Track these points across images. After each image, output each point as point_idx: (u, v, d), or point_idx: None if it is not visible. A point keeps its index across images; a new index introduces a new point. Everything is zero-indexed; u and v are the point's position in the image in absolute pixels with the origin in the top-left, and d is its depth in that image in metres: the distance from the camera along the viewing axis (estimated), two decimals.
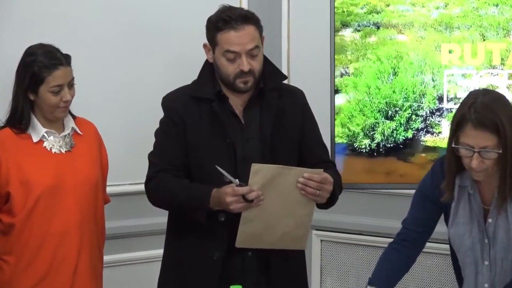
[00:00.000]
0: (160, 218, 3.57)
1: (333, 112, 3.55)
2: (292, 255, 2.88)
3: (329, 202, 2.81)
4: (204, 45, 2.84)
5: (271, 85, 2.85)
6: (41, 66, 2.88)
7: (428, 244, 3.77)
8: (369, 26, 3.54)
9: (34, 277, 2.93)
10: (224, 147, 2.72)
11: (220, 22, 2.75)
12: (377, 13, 3.54)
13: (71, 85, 2.96)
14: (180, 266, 2.88)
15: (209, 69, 2.86)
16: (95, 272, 3.05)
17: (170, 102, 2.89)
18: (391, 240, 3.95)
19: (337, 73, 3.53)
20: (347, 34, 3.54)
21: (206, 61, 2.88)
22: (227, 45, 2.74)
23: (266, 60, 2.86)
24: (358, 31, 3.55)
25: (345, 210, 3.76)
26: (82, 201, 2.97)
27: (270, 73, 2.86)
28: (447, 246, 3.90)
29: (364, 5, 3.55)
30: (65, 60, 2.93)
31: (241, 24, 2.74)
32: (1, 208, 2.93)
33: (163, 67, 3.92)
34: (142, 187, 3.71)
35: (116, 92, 3.86)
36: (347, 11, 3.54)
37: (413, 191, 3.81)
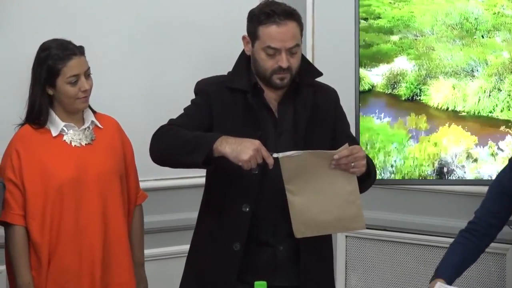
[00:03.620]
0: (185, 214, 3.81)
1: (358, 107, 3.55)
2: (322, 252, 2.89)
3: (367, 177, 2.78)
4: (243, 37, 2.82)
5: (307, 81, 2.84)
6: (56, 58, 2.92)
7: (445, 239, 3.80)
8: None
9: (63, 275, 2.96)
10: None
11: (263, 16, 2.73)
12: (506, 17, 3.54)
13: (88, 75, 2.98)
14: (200, 257, 2.88)
15: (245, 61, 2.85)
16: (124, 261, 3.07)
17: (203, 85, 2.88)
18: (415, 236, 3.99)
19: None
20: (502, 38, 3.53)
21: (242, 53, 2.87)
22: (268, 40, 2.72)
23: (301, 56, 2.84)
24: None
25: (370, 205, 3.69)
26: (106, 192, 3.00)
27: (306, 69, 2.85)
28: None
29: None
30: (78, 50, 2.96)
31: (284, 19, 2.72)
32: (23, 210, 2.94)
33: (188, 63, 3.91)
34: (166, 183, 3.88)
35: (140, 89, 3.87)
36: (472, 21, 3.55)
37: (440, 187, 3.84)
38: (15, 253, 2.94)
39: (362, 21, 3.66)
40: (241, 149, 2.59)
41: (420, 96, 3.63)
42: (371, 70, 3.65)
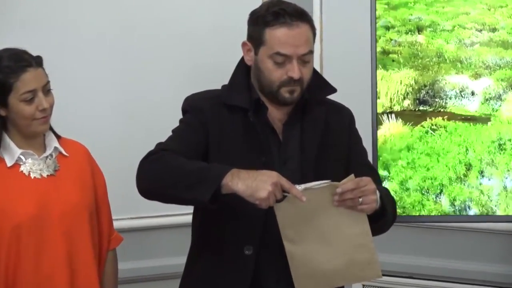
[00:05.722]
0: (168, 259, 3.71)
1: (376, 129, 3.36)
2: None
3: (381, 216, 2.55)
4: (243, 44, 2.64)
5: (317, 98, 2.67)
6: (7, 71, 2.73)
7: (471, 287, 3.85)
8: None
9: None
10: (259, 167, 2.45)
11: (271, 16, 2.53)
12: None
13: (47, 90, 2.79)
14: None
15: (244, 72, 2.67)
16: None
17: (195, 101, 2.69)
18: (448, 284, 3.97)
19: None
20: None
21: (240, 62, 2.69)
22: (277, 45, 2.52)
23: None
24: None
25: (391, 248, 3.68)
26: (72, 233, 2.80)
27: (317, 84, 2.67)
28: None
29: None
30: (35, 61, 2.77)
31: (296, 20, 2.52)
32: None
33: (174, 77, 3.77)
34: (144, 222, 3.77)
35: (115, 108, 3.74)
36: None
37: (476, 225, 3.71)
38: None
39: (477, 32, 3.42)
40: (257, 185, 2.38)
41: None
42: None
